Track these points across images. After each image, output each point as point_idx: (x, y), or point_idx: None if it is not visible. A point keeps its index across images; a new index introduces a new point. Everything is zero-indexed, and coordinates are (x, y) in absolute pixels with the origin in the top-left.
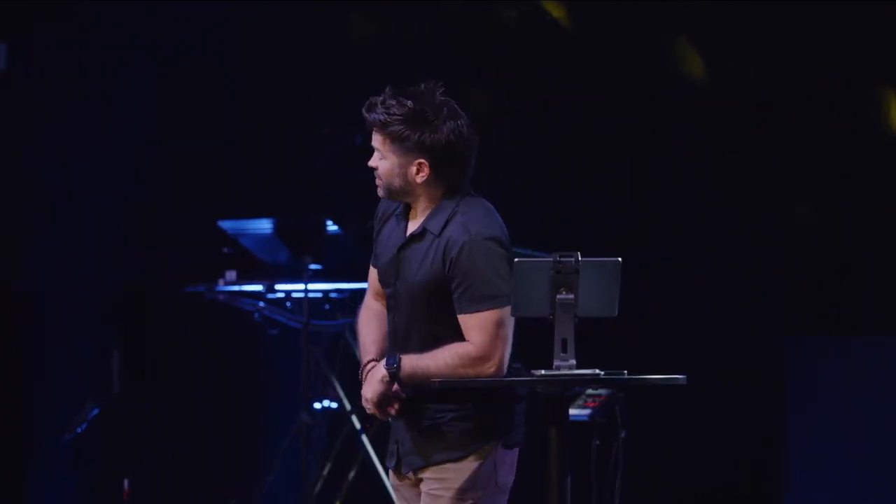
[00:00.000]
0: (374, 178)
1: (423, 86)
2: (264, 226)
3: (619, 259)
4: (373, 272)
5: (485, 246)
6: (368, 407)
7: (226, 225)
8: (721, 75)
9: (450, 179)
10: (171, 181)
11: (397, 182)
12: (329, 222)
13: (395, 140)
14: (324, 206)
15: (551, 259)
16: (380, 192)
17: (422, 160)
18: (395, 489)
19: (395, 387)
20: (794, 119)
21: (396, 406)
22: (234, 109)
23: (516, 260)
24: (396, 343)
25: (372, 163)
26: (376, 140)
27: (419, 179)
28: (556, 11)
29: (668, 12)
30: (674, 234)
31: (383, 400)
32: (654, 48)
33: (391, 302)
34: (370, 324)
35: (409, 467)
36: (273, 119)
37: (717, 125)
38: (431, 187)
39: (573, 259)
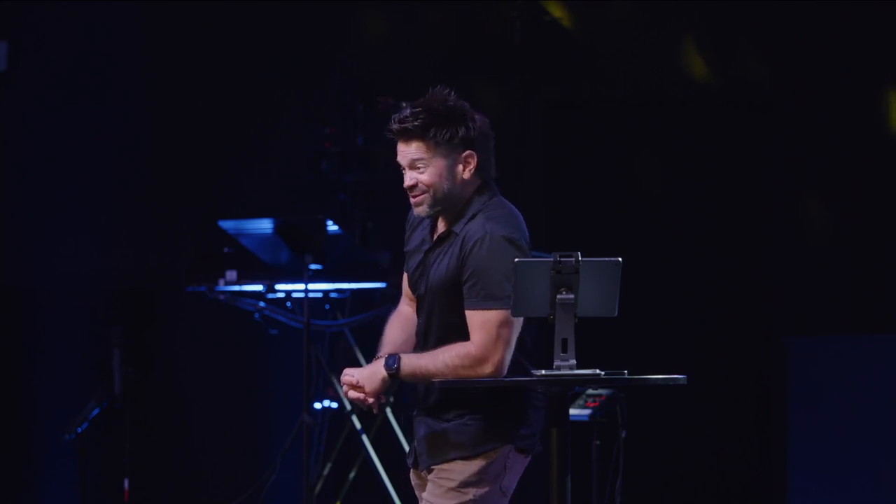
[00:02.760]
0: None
1: (431, 90)
2: (264, 226)
3: (619, 259)
4: (405, 277)
5: (500, 245)
6: (352, 391)
7: (226, 225)
8: (722, 75)
9: (485, 171)
10: (172, 181)
11: (446, 186)
12: (329, 222)
13: (441, 142)
14: (324, 206)
15: (551, 259)
16: (421, 210)
17: (469, 152)
18: (415, 487)
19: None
20: (796, 119)
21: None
22: (236, 109)
23: (516, 260)
24: (418, 341)
25: (409, 182)
26: (414, 152)
27: (467, 175)
28: (557, 11)
29: (669, 12)
30: (674, 234)
31: (375, 394)
32: (654, 48)
33: (419, 303)
34: (392, 326)
35: (423, 466)
36: (274, 119)
37: (718, 125)
38: (471, 183)
39: (573, 259)
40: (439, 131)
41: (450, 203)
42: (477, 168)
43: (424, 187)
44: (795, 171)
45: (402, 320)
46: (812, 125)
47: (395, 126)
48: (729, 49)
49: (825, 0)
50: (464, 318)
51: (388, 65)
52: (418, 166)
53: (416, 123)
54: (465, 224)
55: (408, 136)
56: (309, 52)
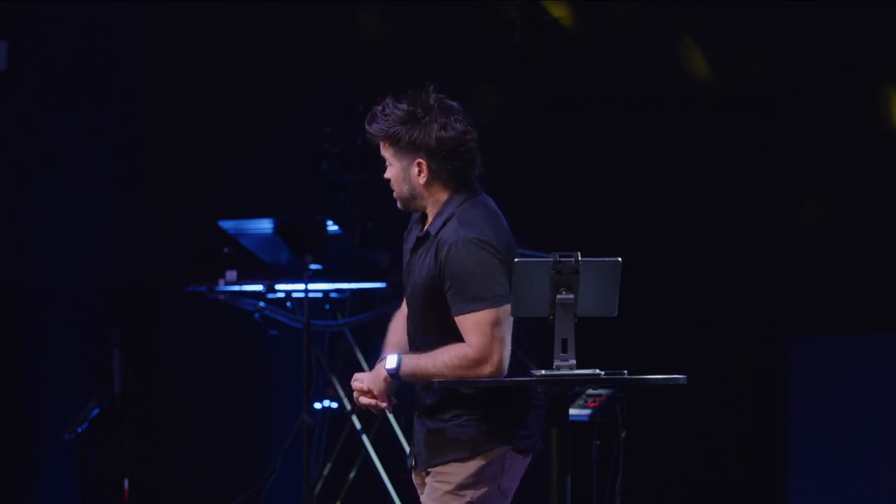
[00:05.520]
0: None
1: (415, 91)
2: (264, 226)
3: (619, 259)
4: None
5: (470, 247)
6: (362, 397)
7: (226, 225)
8: (722, 75)
9: (451, 178)
10: (172, 181)
11: (405, 188)
12: (329, 222)
13: (393, 143)
14: (324, 206)
15: (551, 259)
16: (398, 204)
17: (419, 160)
18: (417, 488)
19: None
20: (796, 119)
21: (386, 403)
22: (236, 109)
23: (516, 260)
24: (410, 342)
25: (386, 174)
26: (382, 149)
27: (421, 180)
28: (557, 11)
29: (669, 12)
30: (674, 234)
31: (384, 396)
32: (654, 48)
33: (408, 304)
34: (395, 326)
35: (422, 467)
36: (274, 119)
37: (718, 125)
38: (435, 188)
39: (573, 259)
40: (389, 135)
41: (416, 202)
42: (438, 176)
43: (392, 185)
44: (795, 171)
45: (402, 321)
46: (812, 125)
47: (366, 121)
48: (729, 49)
49: (825, 0)
50: (441, 321)
51: (388, 65)
52: (387, 163)
53: (371, 126)
54: (441, 227)
55: (370, 136)
56: (309, 52)
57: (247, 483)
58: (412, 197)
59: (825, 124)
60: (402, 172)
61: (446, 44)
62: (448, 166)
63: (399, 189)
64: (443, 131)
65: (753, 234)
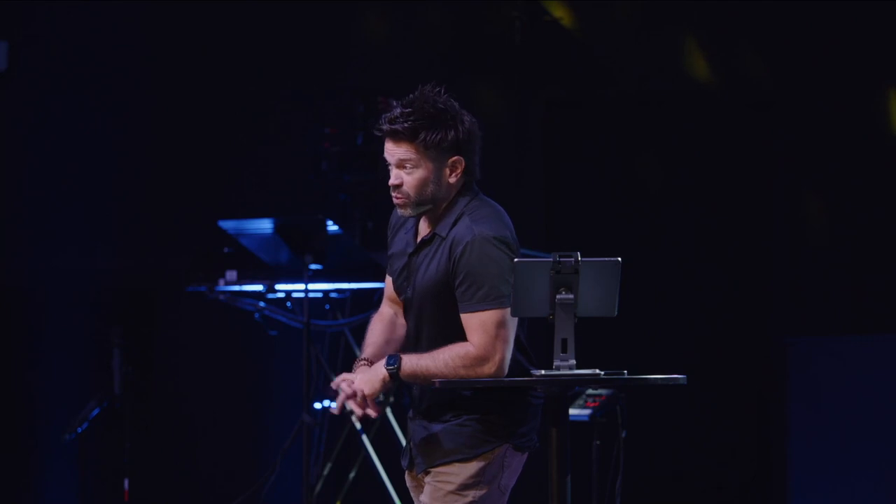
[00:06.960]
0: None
1: (421, 89)
2: (264, 226)
3: (619, 259)
4: (388, 279)
5: (488, 246)
6: (350, 401)
7: (226, 225)
8: (722, 75)
9: (471, 172)
10: (172, 181)
11: (430, 189)
12: (329, 222)
13: (431, 145)
14: (324, 206)
15: (551, 259)
16: (405, 211)
17: (457, 157)
18: (410, 489)
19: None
20: (796, 119)
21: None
22: (236, 109)
23: (516, 260)
24: (409, 346)
25: (394, 180)
26: (403, 153)
27: (453, 179)
28: (557, 11)
29: (669, 12)
30: (674, 234)
31: (374, 399)
32: (654, 48)
33: (406, 307)
34: (374, 328)
35: (420, 468)
36: (274, 119)
37: (718, 125)
38: (454, 186)
39: (573, 259)
40: (429, 135)
41: (434, 204)
42: (466, 172)
43: (408, 189)
44: (796, 171)
45: (384, 323)
46: (812, 125)
47: (385, 126)
48: (729, 49)
49: (825, 0)
50: (454, 320)
51: (388, 65)
52: (406, 167)
53: (406, 125)
54: (451, 227)
55: (397, 137)
56: (309, 52)
57: (247, 483)
58: (433, 199)
59: (825, 124)
60: (433, 173)
61: (446, 44)
62: (474, 162)
63: (421, 192)
64: (470, 126)
65: (754, 233)
